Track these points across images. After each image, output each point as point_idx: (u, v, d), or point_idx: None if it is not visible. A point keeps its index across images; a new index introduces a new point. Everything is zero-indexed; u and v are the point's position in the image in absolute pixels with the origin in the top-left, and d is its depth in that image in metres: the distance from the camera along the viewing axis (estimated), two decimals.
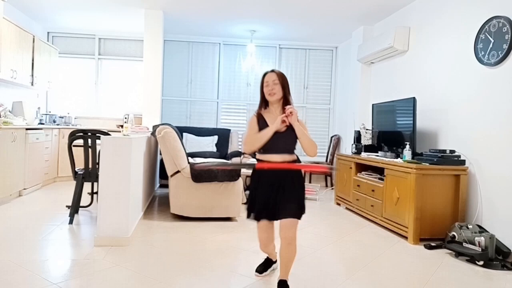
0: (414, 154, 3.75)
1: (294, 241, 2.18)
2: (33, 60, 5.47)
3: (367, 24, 5.59)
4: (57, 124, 6.18)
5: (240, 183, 3.93)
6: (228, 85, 6.98)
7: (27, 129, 4.68)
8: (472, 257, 2.91)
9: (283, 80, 2.26)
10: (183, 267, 2.60)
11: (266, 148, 2.21)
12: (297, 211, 2.19)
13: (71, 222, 3.53)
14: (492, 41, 3.28)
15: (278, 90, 2.23)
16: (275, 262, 2.56)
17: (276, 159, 2.21)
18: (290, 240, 2.16)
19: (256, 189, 2.27)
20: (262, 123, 2.25)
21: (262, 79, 2.30)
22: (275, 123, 2.19)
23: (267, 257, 2.55)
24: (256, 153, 2.31)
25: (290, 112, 2.16)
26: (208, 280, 2.39)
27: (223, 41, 6.90)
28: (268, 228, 2.30)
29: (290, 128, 2.22)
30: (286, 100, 2.27)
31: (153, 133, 4.29)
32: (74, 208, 3.60)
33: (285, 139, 2.21)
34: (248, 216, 2.29)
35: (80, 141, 3.55)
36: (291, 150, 2.26)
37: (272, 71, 2.28)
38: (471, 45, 3.53)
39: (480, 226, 3.11)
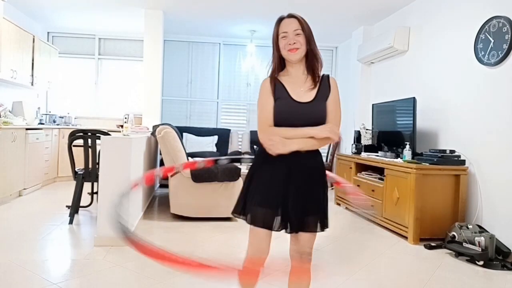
0: (414, 154, 3.75)
1: (310, 262, 1.59)
2: (33, 60, 5.46)
3: (367, 24, 5.59)
4: (57, 124, 6.18)
5: (240, 183, 3.93)
6: (228, 85, 6.98)
7: (27, 129, 4.68)
8: (472, 257, 2.91)
9: (308, 28, 1.53)
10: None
11: (281, 123, 1.49)
12: (321, 220, 1.54)
13: (71, 222, 3.53)
14: (492, 41, 3.28)
15: (302, 43, 1.50)
16: None
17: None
18: (307, 259, 1.58)
19: (258, 177, 1.55)
20: (279, 91, 1.52)
21: (276, 28, 1.55)
22: (317, 130, 1.44)
23: None
24: None
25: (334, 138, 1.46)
26: (208, 280, 2.38)
27: (223, 41, 6.90)
28: (267, 235, 1.54)
29: (320, 96, 1.52)
30: (313, 56, 1.53)
31: (153, 133, 4.29)
32: (74, 208, 3.60)
33: (311, 113, 1.48)
34: (240, 214, 1.59)
35: (80, 141, 3.55)
36: None
37: (291, 16, 1.54)
38: (471, 45, 3.53)
39: (480, 226, 3.11)
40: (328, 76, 1.58)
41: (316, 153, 1.56)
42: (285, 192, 1.50)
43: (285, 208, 1.49)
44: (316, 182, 1.55)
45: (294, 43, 1.49)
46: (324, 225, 1.55)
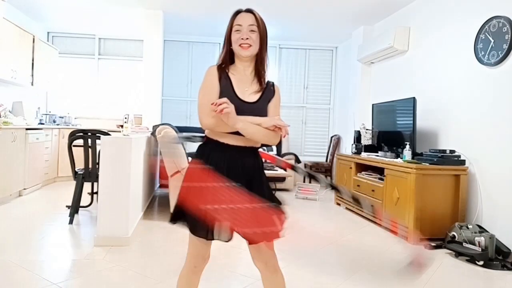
0: (414, 154, 3.75)
1: (278, 265, 1.54)
2: (33, 60, 5.46)
3: (367, 24, 5.59)
4: (57, 124, 6.18)
5: None
6: None
7: (27, 129, 4.68)
8: (472, 257, 2.91)
9: (263, 27, 1.49)
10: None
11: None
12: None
13: (71, 222, 3.53)
14: (492, 41, 3.28)
15: (255, 41, 1.46)
16: None
17: (239, 142, 1.44)
18: (275, 266, 1.52)
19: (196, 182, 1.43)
20: (224, 85, 1.45)
21: (231, 20, 1.49)
22: (265, 118, 1.41)
23: None
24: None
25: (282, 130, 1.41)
26: (208, 280, 2.38)
27: (223, 41, 6.88)
28: (207, 243, 1.49)
29: (264, 98, 1.49)
30: (262, 59, 1.51)
31: (153, 133, 4.29)
32: (74, 208, 3.60)
33: (253, 113, 1.43)
34: (175, 221, 1.45)
35: (80, 141, 3.55)
36: None
37: (249, 10, 1.49)
38: (471, 45, 3.53)
39: (480, 226, 3.11)
40: (273, 83, 1.57)
41: (256, 154, 1.52)
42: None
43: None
44: (259, 182, 1.48)
45: (247, 38, 1.44)
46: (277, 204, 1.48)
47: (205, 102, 1.41)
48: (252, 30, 1.45)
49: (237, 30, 1.45)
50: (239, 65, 1.51)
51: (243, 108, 1.41)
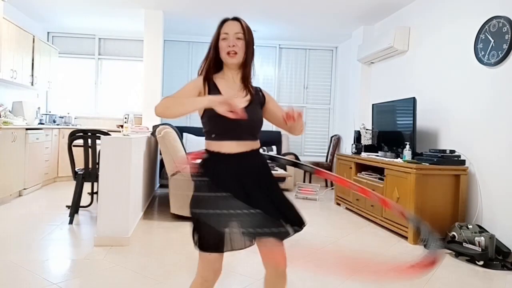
0: (414, 154, 3.75)
1: (286, 271, 1.53)
2: (33, 60, 5.46)
3: (367, 24, 5.59)
4: (57, 124, 6.18)
5: None
6: None
7: (27, 129, 4.68)
8: (472, 257, 2.91)
9: (249, 35, 1.49)
10: (183, 267, 2.60)
11: (220, 131, 1.44)
12: (293, 221, 1.46)
13: (71, 222, 3.53)
14: (492, 41, 3.28)
15: (241, 49, 1.46)
16: None
17: (236, 148, 1.45)
18: (285, 272, 1.52)
19: (214, 198, 1.42)
20: (212, 91, 1.46)
21: (217, 29, 1.50)
22: (224, 97, 1.29)
23: None
24: (207, 140, 1.50)
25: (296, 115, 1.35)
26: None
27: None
28: (221, 257, 1.51)
29: (255, 102, 1.51)
30: (249, 67, 1.51)
31: (153, 133, 4.29)
32: (74, 208, 3.60)
33: (250, 118, 1.38)
34: (204, 248, 1.47)
35: (80, 141, 3.55)
36: (256, 134, 1.51)
37: (235, 19, 1.50)
38: (471, 45, 3.53)
39: (480, 226, 3.11)
40: (260, 89, 1.59)
41: (258, 152, 1.53)
42: (243, 202, 1.37)
43: (249, 218, 1.37)
44: (269, 180, 1.51)
45: (234, 46, 1.45)
46: (301, 222, 1.47)
47: (168, 99, 1.40)
48: (238, 38, 1.46)
49: (224, 38, 1.47)
50: (228, 73, 1.52)
51: None
